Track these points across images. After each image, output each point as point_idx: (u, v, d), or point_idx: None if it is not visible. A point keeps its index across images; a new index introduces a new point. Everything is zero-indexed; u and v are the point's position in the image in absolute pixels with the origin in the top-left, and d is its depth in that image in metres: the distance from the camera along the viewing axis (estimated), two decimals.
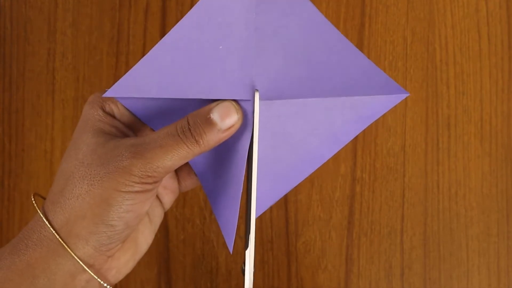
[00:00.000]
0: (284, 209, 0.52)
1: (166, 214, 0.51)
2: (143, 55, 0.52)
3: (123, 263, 0.35)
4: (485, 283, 0.51)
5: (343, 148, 0.52)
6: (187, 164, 0.37)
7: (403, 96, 0.37)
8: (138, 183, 0.31)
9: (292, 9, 0.34)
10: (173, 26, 0.52)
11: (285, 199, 0.52)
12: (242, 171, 0.35)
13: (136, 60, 0.52)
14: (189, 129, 0.32)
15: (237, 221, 0.35)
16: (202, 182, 0.37)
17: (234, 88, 0.34)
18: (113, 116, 0.34)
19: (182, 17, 0.52)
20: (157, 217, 0.37)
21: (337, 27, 0.52)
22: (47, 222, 0.32)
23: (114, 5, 0.52)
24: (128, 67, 0.52)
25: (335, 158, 0.52)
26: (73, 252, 0.32)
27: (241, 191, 0.35)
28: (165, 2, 0.52)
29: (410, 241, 0.52)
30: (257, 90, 0.34)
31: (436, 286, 0.51)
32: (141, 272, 0.52)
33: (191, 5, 0.52)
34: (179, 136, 0.32)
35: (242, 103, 0.34)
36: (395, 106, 0.52)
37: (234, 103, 0.33)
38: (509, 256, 0.51)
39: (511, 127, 0.52)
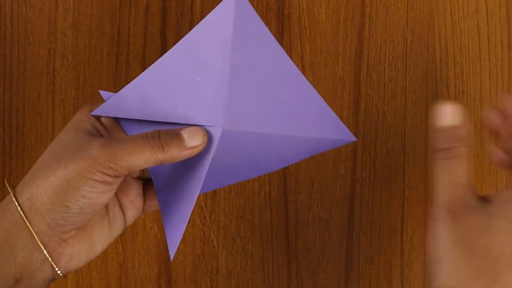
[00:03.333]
0: (284, 209, 0.52)
1: None
2: (143, 55, 0.52)
3: (76, 252, 0.37)
4: None
5: (343, 148, 0.52)
6: None
7: (351, 140, 0.43)
8: (99, 172, 0.34)
9: (266, 52, 0.39)
10: (173, 26, 0.52)
11: (285, 199, 0.52)
12: (197, 189, 0.38)
13: (136, 61, 0.52)
14: (159, 136, 0.36)
15: (183, 233, 0.39)
16: (158, 190, 0.41)
17: (206, 116, 0.38)
18: (99, 118, 0.39)
19: (182, 17, 0.52)
20: (117, 226, 0.40)
21: (337, 27, 0.52)
22: (12, 194, 0.35)
23: (115, 5, 0.52)
24: (128, 67, 0.52)
25: (335, 158, 0.52)
26: (30, 227, 0.35)
27: (192, 208, 0.38)
28: (165, 2, 0.52)
29: (410, 241, 0.52)
30: (221, 127, 0.39)
31: None
32: (141, 272, 0.52)
33: (191, 6, 0.52)
34: (148, 139, 0.36)
35: (211, 129, 0.39)
36: (395, 106, 0.52)
37: (203, 129, 0.38)
38: None
39: None
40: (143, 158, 0.35)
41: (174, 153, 0.36)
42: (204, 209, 0.52)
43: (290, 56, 0.52)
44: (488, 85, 0.52)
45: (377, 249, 0.52)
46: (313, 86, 0.42)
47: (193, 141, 0.37)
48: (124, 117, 0.39)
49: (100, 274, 0.52)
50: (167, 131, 0.37)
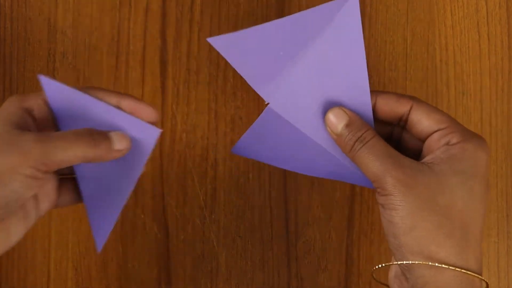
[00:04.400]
0: (284, 209, 0.52)
1: (165, 214, 0.52)
2: (143, 55, 0.52)
3: None
4: None
5: None
6: (72, 180, 0.42)
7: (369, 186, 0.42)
8: (31, 167, 0.35)
9: (344, 65, 0.40)
10: (173, 26, 0.52)
11: (285, 199, 0.52)
12: (131, 186, 0.41)
13: (136, 61, 0.52)
14: (92, 134, 0.37)
15: (111, 229, 0.41)
16: (82, 182, 0.42)
17: (265, 86, 0.41)
18: (31, 111, 0.38)
19: (182, 17, 0.52)
20: (31, 218, 0.40)
21: None
22: None
23: (114, 5, 0.52)
24: (128, 67, 0.52)
25: None
26: None
27: (123, 204, 0.41)
28: (165, 2, 0.52)
29: None
30: (267, 103, 0.41)
31: None
32: (141, 272, 0.52)
33: (191, 6, 0.52)
34: (82, 135, 0.37)
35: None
36: None
37: (127, 136, 0.39)
38: (509, 256, 0.51)
39: (511, 127, 0.52)
40: (75, 154, 0.36)
41: (104, 153, 0.37)
42: (204, 209, 0.52)
43: None
44: (488, 85, 0.52)
45: (377, 249, 0.52)
46: None
47: (119, 144, 0.38)
48: (224, 56, 0.40)
49: (100, 274, 0.52)
50: (98, 131, 0.38)
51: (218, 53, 0.52)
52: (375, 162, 0.38)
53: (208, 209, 0.52)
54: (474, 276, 0.36)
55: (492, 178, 0.52)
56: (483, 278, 0.37)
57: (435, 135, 0.39)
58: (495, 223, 0.52)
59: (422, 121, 0.40)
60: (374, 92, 0.41)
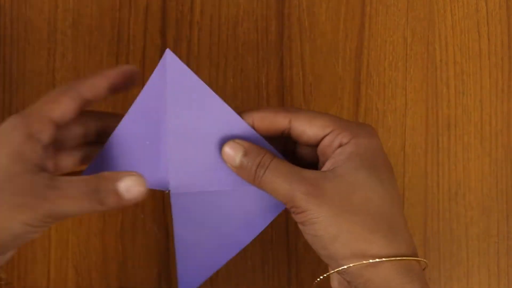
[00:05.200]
0: (284, 209, 0.52)
1: (165, 214, 0.52)
2: (143, 55, 0.52)
3: None
4: (485, 283, 0.51)
5: None
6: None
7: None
8: (39, 220, 0.35)
9: (205, 112, 0.39)
10: (173, 26, 0.52)
11: None
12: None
13: (136, 61, 0.52)
14: (98, 191, 0.35)
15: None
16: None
17: (156, 180, 0.39)
18: (38, 135, 0.36)
19: (182, 17, 0.52)
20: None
21: (337, 27, 0.52)
22: None
23: (114, 5, 0.52)
24: None
25: None
26: None
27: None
28: (165, 2, 0.52)
29: None
30: (169, 190, 0.40)
31: (436, 286, 0.51)
32: (141, 272, 0.52)
33: (191, 6, 0.52)
34: (87, 194, 0.35)
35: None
36: (395, 106, 0.52)
37: (141, 176, 0.36)
38: (509, 256, 0.51)
39: (511, 127, 0.52)
40: (82, 210, 0.36)
41: (112, 205, 0.36)
42: None
43: (290, 56, 0.52)
44: (488, 85, 0.52)
45: None
46: (313, 86, 0.42)
47: (131, 193, 0.36)
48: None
49: (100, 274, 0.52)
50: (104, 185, 0.36)
51: (218, 54, 0.52)
52: (281, 183, 0.37)
53: None
54: (410, 259, 0.37)
55: (492, 178, 0.52)
56: (419, 258, 0.37)
57: (325, 141, 0.39)
58: (495, 223, 0.52)
59: (306, 131, 0.39)
60: (249, 113, 0.39)
